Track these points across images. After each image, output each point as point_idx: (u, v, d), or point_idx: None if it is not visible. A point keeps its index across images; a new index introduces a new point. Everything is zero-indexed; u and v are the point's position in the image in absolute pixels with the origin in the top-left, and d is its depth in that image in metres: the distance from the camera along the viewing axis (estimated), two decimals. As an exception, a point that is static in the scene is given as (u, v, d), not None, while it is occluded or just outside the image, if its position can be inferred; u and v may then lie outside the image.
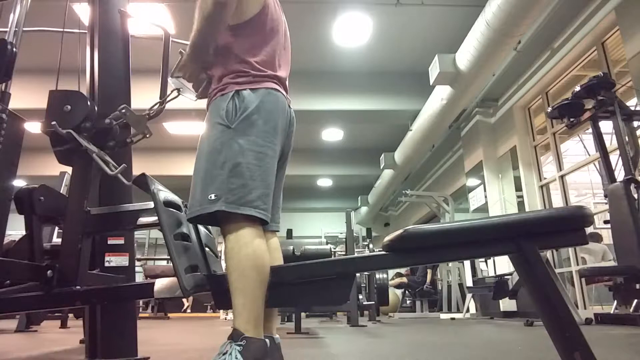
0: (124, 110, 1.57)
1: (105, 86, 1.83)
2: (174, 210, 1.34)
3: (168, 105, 1.72)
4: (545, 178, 6.79)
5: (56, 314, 5.31)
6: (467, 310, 7.47)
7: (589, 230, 5.70)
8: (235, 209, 1.22)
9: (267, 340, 1.21)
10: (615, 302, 4.13)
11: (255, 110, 1.30)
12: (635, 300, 3.90)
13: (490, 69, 5.48)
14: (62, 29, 2.12)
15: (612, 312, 4.28)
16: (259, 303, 1.18)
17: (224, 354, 1.11)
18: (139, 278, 6.44)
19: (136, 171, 1.54)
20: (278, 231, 1.53)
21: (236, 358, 1.09)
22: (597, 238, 5.86)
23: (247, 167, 1.26)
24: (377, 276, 7.49)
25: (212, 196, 1.23)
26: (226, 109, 1.30)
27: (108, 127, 1.54)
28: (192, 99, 1.54)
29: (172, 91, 1.61)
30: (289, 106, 1.45)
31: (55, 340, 3.25)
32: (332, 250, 6.25)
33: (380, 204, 11.88)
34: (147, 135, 1.66)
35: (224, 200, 1.22)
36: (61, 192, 2.81)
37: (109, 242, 1.76)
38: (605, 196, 3.88)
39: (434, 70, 5.74)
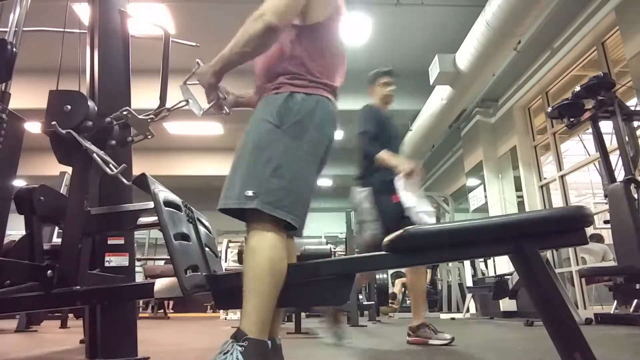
0: (125, 113, 1.56)
1: (105, 86, 1.83)
2: (174, 210, 1.34)
3: (168, 105, 1.71)
4: (545, 178, 6.79)
5: (56, 314, 5.31)
6: (467, 310, 7.47)
7: (590, 230, 5.71)
8: (270, 211, 1.20)
9: (269, 342, 1.20)
10: (615, 302, 4.13)
11: (307, 116, 1.30)
12: (635, 300, 3.90)
13: (490, 69, 5.48)
14: (62, 29, 2.11)
15: (612, 312, 4.28)
16: (270, 308, 1.17)
17: (225, 353, 1.10)
18: (139, 278, 6.44)
19: (136, 171, 1.53)
20: (301, 236, 1.51)
21: (237, 358, 1.08)
22: (598, 238, 5.85)
23: (290, 171, 1.25)
24: (377, 276, 7.49)
25: (250, 192, 1.21)
26: (279, 109, 1.29)
27: (108, 127, 1.54)
28: (197, 114, 1.50)
29: (180, 101, 1.59)
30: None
31: (55, 340, 3.24)
32: (332, 250, 6.24)
33: (380, 204, 11.85)
34: (149, 137, 1.66)
35: (260, 199, 1.20)
36: (61, 192, 2.81)
37: (109, 242, 1.76)
38: (605, 196, 3.87)
39: (434, 70, 5.74)
